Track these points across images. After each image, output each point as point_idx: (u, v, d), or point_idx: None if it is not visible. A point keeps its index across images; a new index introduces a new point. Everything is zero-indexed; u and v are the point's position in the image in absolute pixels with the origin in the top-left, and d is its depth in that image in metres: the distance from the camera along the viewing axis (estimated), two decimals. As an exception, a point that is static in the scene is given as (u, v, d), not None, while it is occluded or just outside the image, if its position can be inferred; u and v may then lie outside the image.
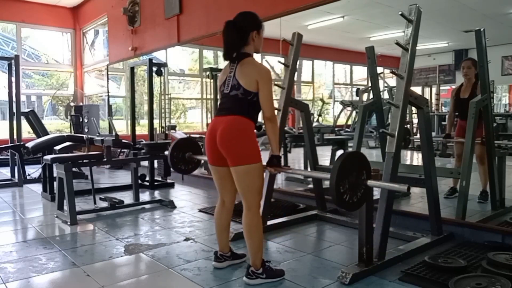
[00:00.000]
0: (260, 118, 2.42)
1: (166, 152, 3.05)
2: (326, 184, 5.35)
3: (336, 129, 7.96)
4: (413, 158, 7.34)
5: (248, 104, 2.33)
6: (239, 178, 2.35)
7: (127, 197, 4.79)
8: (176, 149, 3.02)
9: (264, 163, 2.41)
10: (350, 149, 5.10)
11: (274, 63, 9.06)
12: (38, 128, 7.34)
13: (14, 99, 6.26)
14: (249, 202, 2.37)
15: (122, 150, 7.24)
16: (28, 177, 6.13)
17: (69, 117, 9.37)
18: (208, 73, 7.05)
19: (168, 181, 5.82)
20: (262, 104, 2.32)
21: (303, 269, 2.63)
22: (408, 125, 7.97)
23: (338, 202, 2.07)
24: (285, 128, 5.94)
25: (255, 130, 2.39)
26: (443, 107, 9.47)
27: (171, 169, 3.10)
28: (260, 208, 2.42)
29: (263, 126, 2.44)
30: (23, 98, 10.27)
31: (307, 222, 3.72)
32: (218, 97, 2.58)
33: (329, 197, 4.04)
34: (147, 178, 5.72)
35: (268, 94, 2.32)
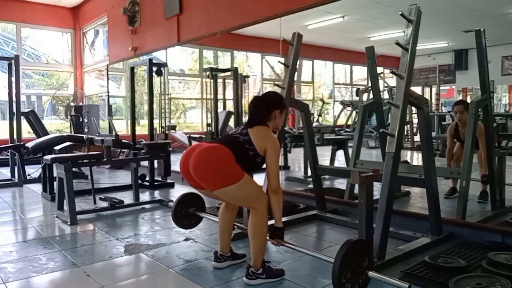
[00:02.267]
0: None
1: (171, 204, 3.12)
2: (326, 184, 5.38)
3: (336, 129, 7.96)
4: (413, 158, 7.34)
5: (242, 150, 2.32)
6: (229, 198, 2.36)
7: (127, 197, 4.79)
8: (180, 204, 3.09)
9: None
10: (350, 149, 5.09)
11: (274, 63, 9.06)
12: (38, 128, 7.34)
13: (14, 99, 6.26)
14: (255, 207, 2.36)
15: (122, 150, 7.24)
16: (28, 177, 6.12)
17: (69, 117, 9.37)
18: (208, 73, 7.05)
19: (168, 181, 5.81)
20: (269, 174, 2.35)
21: (303, 269, 2.63)
22: (408, 125, 7.98)
23: None
24: (285, 128, 5.94)
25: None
26: (443, 107, 9.47)
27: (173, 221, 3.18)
28: (266, 210, 2.39)
29: None
30: (23, 98, 10.27)
31: (307, 222, 3.72)
32: None
33: (329, 197, 4.05)
34: (147, 178, 5.72)
35: (275, 165, 2.36)
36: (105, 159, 4.40)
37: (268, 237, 2.44)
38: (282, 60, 3.61)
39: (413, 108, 5.23)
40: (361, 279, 2.14)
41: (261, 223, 2.36)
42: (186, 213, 3.10)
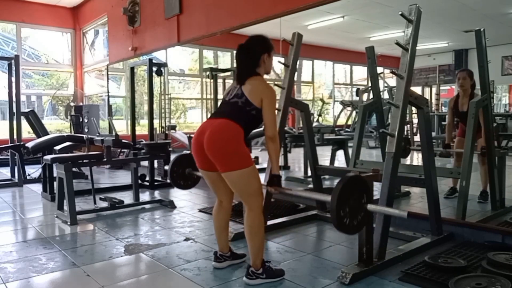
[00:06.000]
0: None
1: (167, 167, 3.06)
2: (326, 184, 5.37)
3: (336, 129, 7.96)
4: (413, 158, 7.33)
5: (245, 114, 2.33)
6: (233, 184, 2.34)
7: (127, 197, 4.79)
8: (176, 165, 3.04)
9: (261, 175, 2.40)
10: (350, 149, 5.10)
11: (274, 63, 9.06)
12: (38, 128, 7.34)
13: (14, 99, 6.25)
14: (250, 204, 2.35)
15: (122, 150, 7.24)
16: (28, 177, 6.12)
17: (69, 117, 9.38)
18: (208, 73, 7.06)
19: (168, 181, 5.81)
20: (265, 123, 2.34)
21: (303, 269, 2.63)
22: (408, 125, 7.97)
23: (338, 226, 2.06)
24: (285, 128, 5.94)
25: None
26: (443, 107, 9.48)
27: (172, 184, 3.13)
28: (262, 210, 2.40)
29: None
30: (23, 98, 10.28)
31: (307, 222, 3.72)
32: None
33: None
34: (147, 178, 5.72)
35: (271, 113, 2.34)
36: (105, 159, 4.40)
37: (265, 185, 2.42)
38: (282, 60, 3.61)
39: (413, 108, 5.22)
40: (359, 215, 2.14)
41: (258, 224, 2.36)
42: (183, 174, 3.04)
